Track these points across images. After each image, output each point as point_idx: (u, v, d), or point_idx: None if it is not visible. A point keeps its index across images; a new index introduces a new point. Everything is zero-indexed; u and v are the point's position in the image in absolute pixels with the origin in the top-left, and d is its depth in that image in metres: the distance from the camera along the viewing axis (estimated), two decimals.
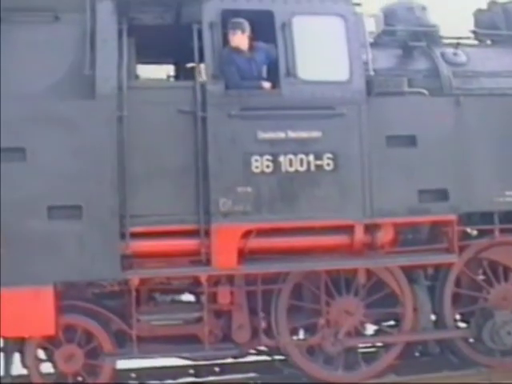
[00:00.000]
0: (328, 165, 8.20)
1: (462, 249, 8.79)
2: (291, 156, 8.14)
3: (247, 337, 8.55)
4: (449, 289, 8.96)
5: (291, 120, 8.17)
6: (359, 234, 8.35)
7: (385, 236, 8.48)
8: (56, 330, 7.92)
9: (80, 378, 8.38)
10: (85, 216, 7.81)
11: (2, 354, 8.44)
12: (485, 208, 8.73)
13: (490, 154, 8.68)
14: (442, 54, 9.26)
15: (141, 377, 9.55)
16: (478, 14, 10.12)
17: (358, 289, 8.76)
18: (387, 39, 9.31)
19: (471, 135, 8.63)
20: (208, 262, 8.05)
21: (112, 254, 7.85)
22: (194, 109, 8.05)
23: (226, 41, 8.20)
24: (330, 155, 8.20)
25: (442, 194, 8.48)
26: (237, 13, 8.25)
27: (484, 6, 10.11)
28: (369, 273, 8.72)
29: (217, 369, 9.72)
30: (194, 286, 8.48)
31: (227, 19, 8.18)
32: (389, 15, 9.36)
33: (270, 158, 8.12)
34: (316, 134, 8.20)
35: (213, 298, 8.41)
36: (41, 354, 8.41)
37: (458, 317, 9.32)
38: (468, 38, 9.79)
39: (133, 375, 9.53)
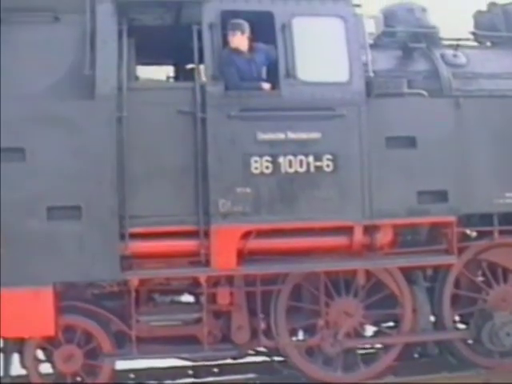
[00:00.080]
0: (327, 166, 8.20)
1: (461, 250, 8.79)
2: (291, 157, 8.14)
3: (246, 337, 8.55)
4: (448, 290, 8.95)
5: (291, 121, 8.17)
6: (358, 235, 8.35)
7: (384, 237, 8.48)
8: (55, 330, 7.93)
9: (79, 379, 8.38)
10: (84, 216, 7.82)
11: (1, 354, 8.44)
12: (484, 209, 8.73)
13: (490, 156, 8.67)
14: (442, 56, 9.25)
15: (140, 377, 9.54)
16: (478, 15, 10.10)
17: (358, 290, 8.75)
18: (387, 40, 9.30)
19: (471, 137, 8.62)
20: (207, 263, 8.05)
21: (111, 254, 7.85)
22: (194, 110, 8.05)
23: (225, 42, 8.20)
24: (329, 156, 8.20)
25: (442, 196, 8.48)
26: (236, 14, 8.25)
27: (484, 8, 10.10)
28: (368, 274, 8.72)
29: (216, 369, 9.72)
30: (193, 286, 8.48)
31: (227, 20, 8.17)
32: (389, 16, 9.35)
33: (269, 158, 8.11)
34: (316, 135, 8.20)
35: (212, 298, 8.41)
36: (40, 354, 8.41)
37: (457, 318, 9.32)
38: (468, 39, 9.77)
39: (132, 376, 9.53)
